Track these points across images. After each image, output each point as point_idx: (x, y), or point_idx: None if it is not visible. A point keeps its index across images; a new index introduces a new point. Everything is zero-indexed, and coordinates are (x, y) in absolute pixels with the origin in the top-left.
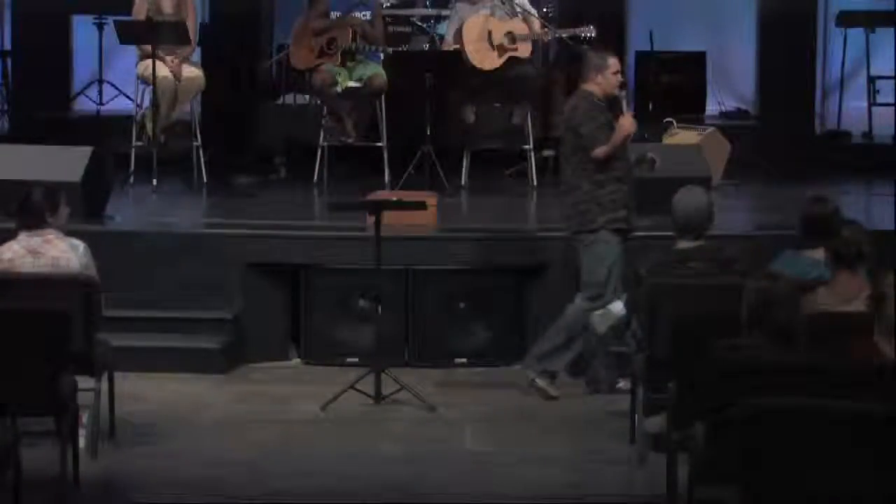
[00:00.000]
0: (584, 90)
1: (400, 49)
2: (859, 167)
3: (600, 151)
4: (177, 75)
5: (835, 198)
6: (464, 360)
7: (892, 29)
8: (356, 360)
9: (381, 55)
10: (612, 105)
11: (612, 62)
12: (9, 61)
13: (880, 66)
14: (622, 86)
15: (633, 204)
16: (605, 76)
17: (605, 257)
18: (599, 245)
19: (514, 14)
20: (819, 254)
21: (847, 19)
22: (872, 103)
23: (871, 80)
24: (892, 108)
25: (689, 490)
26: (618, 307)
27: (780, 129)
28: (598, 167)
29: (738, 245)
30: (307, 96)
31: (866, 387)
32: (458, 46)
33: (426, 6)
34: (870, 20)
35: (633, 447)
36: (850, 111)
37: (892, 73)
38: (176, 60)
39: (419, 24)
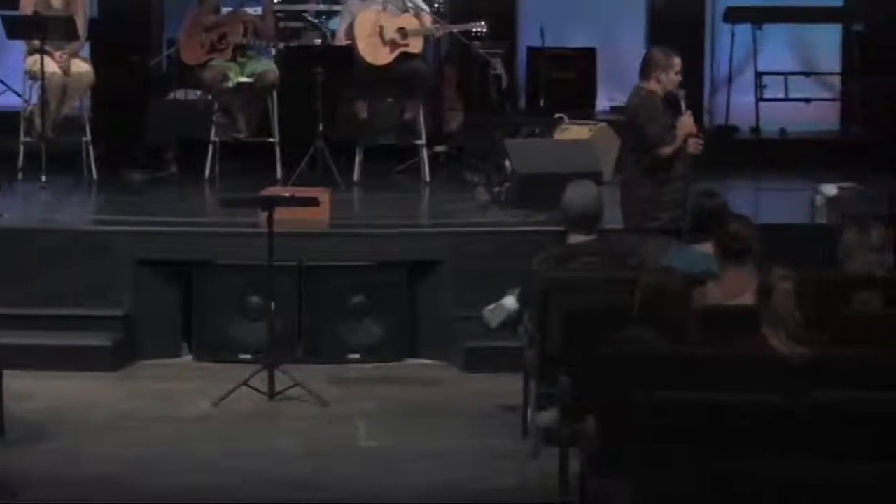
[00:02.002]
0: (645, 88)
1: (291, 44)
2: (747, 162)
3: (667, 150)
4: (65, 71)
5: (723, 192)
6: (357, 355)
7: (779, 25)
8: (249, 356)
9: (273, 51)
10: (670, 103)
11: (678, 62)
12: None
13: (767, 62)
14: (681, 84)
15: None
16: (669, 76)
17: (661, 256)
18: (658, 243)
19: (405, 9)
20: (708, 248)
21: (734, 15)
22: (759, 98)
23: (759, 75)
24: (779, 103)
25: (580, 483)
26: (510, 302)
27: None
28: (660, 166)
29: (629, 239)
30: (198, 92)
31: (755, 379)
32: (349, 42)
33: (318, 2)
34: (757, 16)
35: (525, 441)
36: (738, 106)
37: (779, 69)
38: (65, 56)
39: (311, 19)
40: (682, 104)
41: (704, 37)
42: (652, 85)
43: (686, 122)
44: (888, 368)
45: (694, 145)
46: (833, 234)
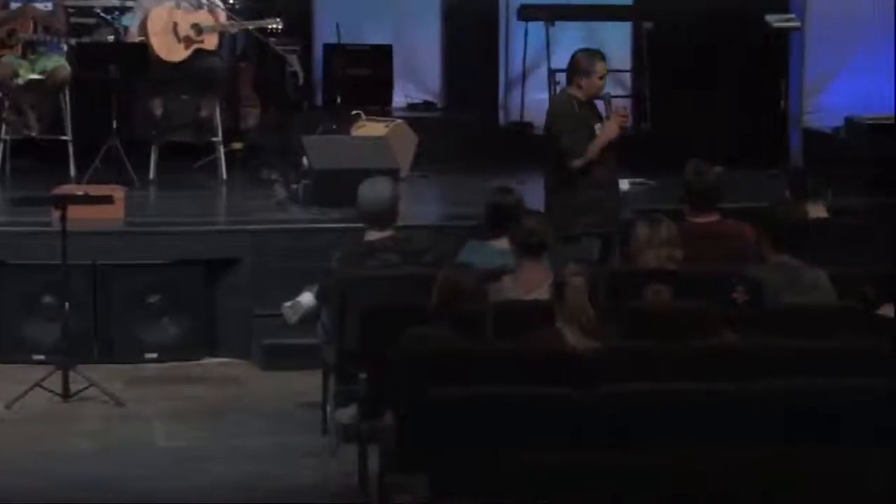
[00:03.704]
0: (566, 93)
1: (84, 41)
2: (541, 158)
3: (577, 163)
4: None
5: (518, 188)
6: (154, 355)
7: (572, 23)
8: (43, 357)
9: (65, 47)
10: (594, 109)
11: (600, 66)
12: None
13: (561, 60)
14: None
15: (616, 206)
16: (592, 81)
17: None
18: (580, 251)
19: (199, 6)
20: (504, 243)
21: (528, 13)
22: (553, 95)
23: (552, 72)
24: None
25: (380, 479)
26: (307, 299)
27: (466, 120)
28: (578, 173)
29: (427, 235)
30: None
31: (548, 372)
32: (143, 38)
33: None
34: (550, 14)
35: (325, 438)
36: (533, 104)
37: None
38: None
39: (103, 15)
40: (609, 108)
41: (499, 34)
42: (573, 90)
43: (609, 128)
44: (679, 360)
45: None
46: (625, 229)
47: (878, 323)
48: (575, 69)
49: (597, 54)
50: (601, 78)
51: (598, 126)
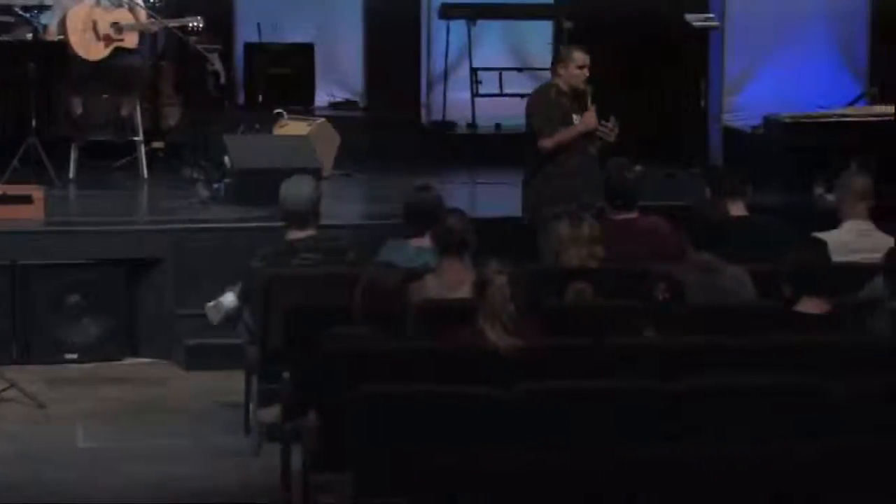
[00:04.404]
0: (549, 82)
1: (1, 39)
2: (464, 156)
3: (546, 143)
4: None
5: (440, 187)
6: (75, 356)
7: (493, 21)
8: None
9: None
10: (576, 98)
11: (577, 56)
12: None
13: (482, 58)
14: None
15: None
16: (569, 70)
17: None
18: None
19: (119, 4)
20: (425, 242)
21: (449, 12)
22: (475, 94)
23: (474, 71)
24: (494, 98)
25: (303, 478)
26: (229, 298)
27: (388, 119)
28: (547, 159)
29: (349, 235)
30: None
31: (470, 371)
32: (62, 37)
33: None
34: (471, 13)
35: (248, 439)
36: (454, 102)
37: (494, 65)
38: None
39: (21, 13)
40: (588, 100)
41: (421, 33)
42: (555, 80)
43: (587, 119)
44: (601, 357)
45: (601, 131)
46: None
47: (796, 320)
48: (555, 59)
49: (577, 45)
50: (579, 67)
51: (576, 117)
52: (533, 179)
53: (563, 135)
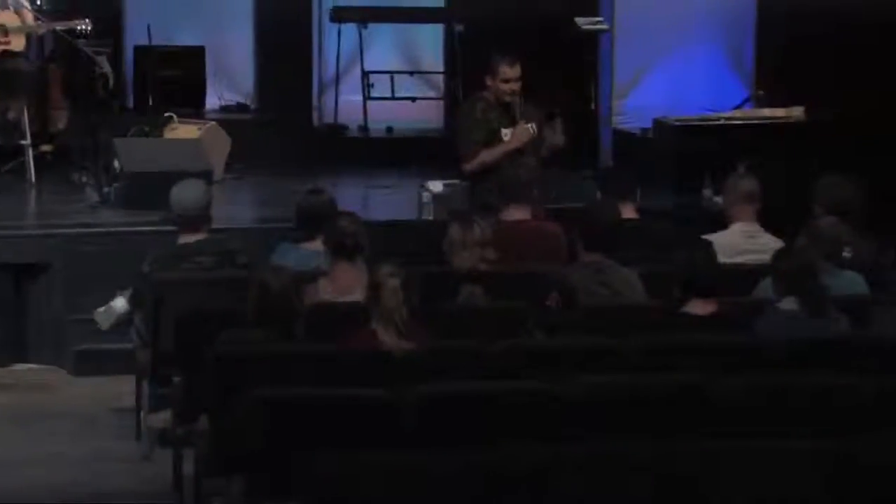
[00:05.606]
0: (478, 95)
1: None
2: (356, 160)
3: (465, 167)
4: None
5: (332, 190)
6: None
7: (384, 25)
8: None
9: None
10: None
11: (503, 70)
12: None
13: (374, 62)
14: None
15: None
16: (495, 82)
17: None
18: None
19: (5, 6)
20: (317, 245)
21: (340, 15)
22: (367, 97)
23: (365, 74)
24: (386, 102)
25: (195, 483)
26: (120, 303)
27: (280, 122)
28: (477, 174)
29: (241, 238)
30: None
31: (362, 373)
32: None
33: None
34: (362, 16)
35: (139, 444)
36: (346, 105)
37: (385, 69)
38: None
39: None
40: (517, 114)
41: (312, 36)
42: (485, 92)
43: (517, 133)
44: (493, 359)
45: (548, 136)
46: (441, 230)
47: (685, 321)
48: (487, 70)
49: (507, 57)
50: (504, 81)
51: (507, 131)
52: (469, 189)
53: (489, 154)
